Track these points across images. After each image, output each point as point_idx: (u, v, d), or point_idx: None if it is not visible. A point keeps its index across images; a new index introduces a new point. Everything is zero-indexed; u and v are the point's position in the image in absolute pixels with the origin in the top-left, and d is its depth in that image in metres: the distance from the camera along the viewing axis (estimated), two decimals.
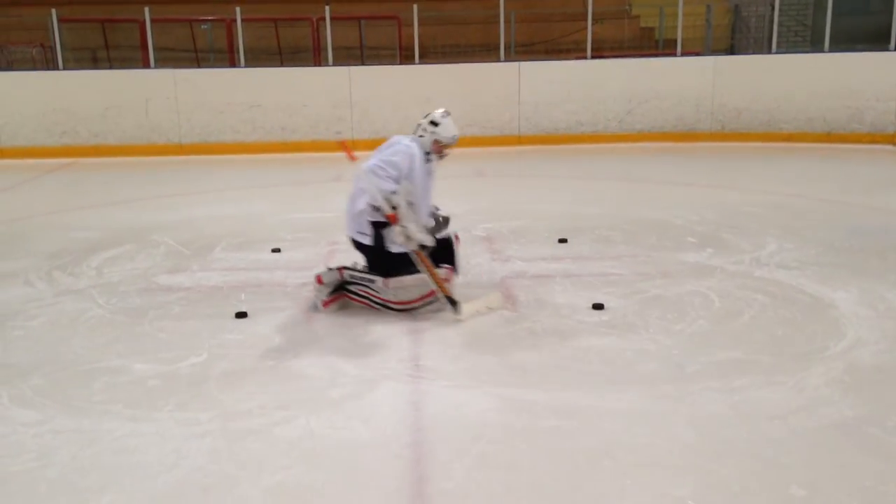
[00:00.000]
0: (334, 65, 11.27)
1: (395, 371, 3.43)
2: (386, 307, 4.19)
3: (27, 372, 3.47)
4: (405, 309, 4.16)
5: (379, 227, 4.14)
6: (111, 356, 3.65)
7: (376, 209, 4.04)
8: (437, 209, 4.53)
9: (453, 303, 4.10)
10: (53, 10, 11.00)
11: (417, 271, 4.09)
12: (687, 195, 7.46)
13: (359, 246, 4.28)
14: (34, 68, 13.13)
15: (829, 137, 10.84)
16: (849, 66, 10.87)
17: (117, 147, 10.81)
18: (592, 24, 11.45)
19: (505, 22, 11.37)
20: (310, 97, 10.99)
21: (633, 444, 2.76)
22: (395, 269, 4.14)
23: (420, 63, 11.64)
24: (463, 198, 7.17)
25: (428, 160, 4.29)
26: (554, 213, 6.64)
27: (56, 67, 11.21)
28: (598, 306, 4.19)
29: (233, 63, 12.59)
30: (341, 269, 4.28)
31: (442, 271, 4.17)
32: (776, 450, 2.71)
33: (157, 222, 6.52)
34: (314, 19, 13.03)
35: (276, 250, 5.55)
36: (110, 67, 13.70)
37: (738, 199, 7.13)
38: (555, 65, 11.82)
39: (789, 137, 10.94)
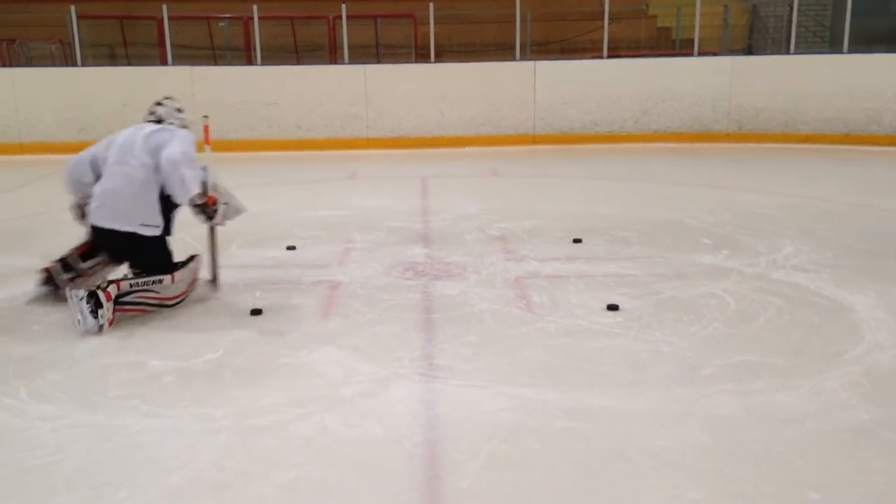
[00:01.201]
0: (350, 63, 11.30)
1: (408, 370, 3.43)
2: (163, 306, 4.11)
3: (45, 367, 3.51)
4: (179, 302, 4.20)
5: (168, 214, 4.17)
6: (128, 352, 3.68)
7: (200, 195, 4.11)
8: None
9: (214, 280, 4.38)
10: (72, 7, 11.09)
11: (178, 262, 4.22)
12: (703, 196, 7.43)
13: (137, 240, 4.08)
14: (53, 65, 13.25)
15: (848, 139, 10.77)
16: (868, 67, 10.79)
17: None
18: (609, 24, 11.41)
19: (521, 21, 11.37)
20: (325, 95, 11.03)
21: (647, 445, 2.76)
22: (168, 259, 4.21)
23: (435, 62, 11.65)
24: (477, 197, 7.17)
25: None
26: (568, 213, 6.62)
27: (74, 64, 11.31)
28: (612, 307, 4.18)
29: (249, 61, 12.65)
30: (115, 283, 3.95)
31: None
32: (792, 453, 2.70)
33: None
34: (330, 17, 13.07)
35: (292, 248, 5.57)
36: (128, 64, 13.80)
37: (755, 200, 7.09)
38: (570, 64, 11.80)
39: (807, 139, 10.87)
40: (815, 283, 4.61)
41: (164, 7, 11.00)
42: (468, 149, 11.00)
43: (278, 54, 13.20)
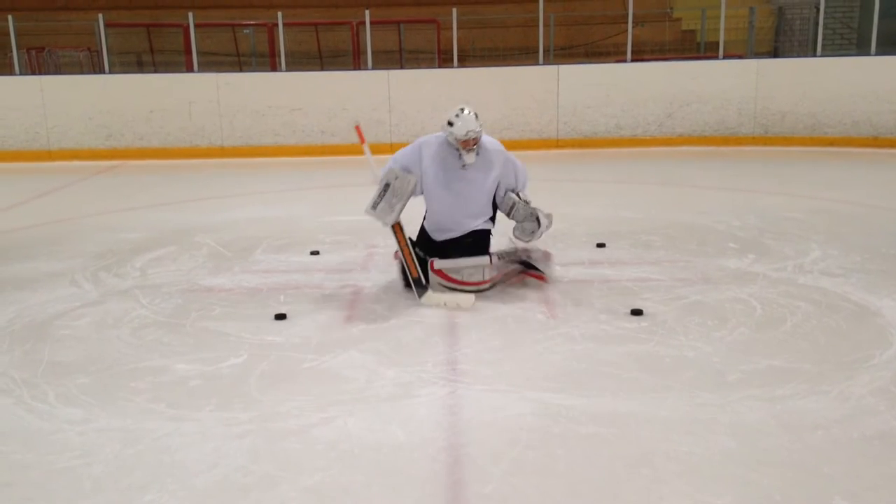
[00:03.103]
0: (374, 68, 11.35)
1: (432, 374, 3.44)
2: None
3: (73, 371, 3.55)
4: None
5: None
6: (154, 356, 3.72)
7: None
8: (533, 208, 4.71)
9: (420, 285, 4.42)
10: (100, 16, 11.24)
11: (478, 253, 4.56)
12: (728, 200, 7.37)
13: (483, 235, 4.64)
14: (81, 72, 13.44)
15: (876, 142, 10.63)
16: None
17: (161, 150, 11.00)
18: (633, 27, 11.37)
19: (544, 25, 11.35)
20: (349, 101, 11.08)
21: (672, 451, 2.74)
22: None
23: (459, 66, 11.66)
24: None
25: (458, 155, 4.52)
26: (592, 217, 6.60)
27: (102, 71, 11.45)
28: (636, 312, 4.16)
29: (274, 67, 12.76)
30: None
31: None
32: (818, 460, 2.67)
33: (199, 224, 6.62)
34: (354, 23, 13.14)
35: (315, 253, 5.60)
36: (155, 71, 13.98)
37: (782, 204, 7.02)
38: (594, 68, 11.75)
39: (834, 142, 10.75)
40: (842, 287, 4.55)
41: (191, 15, 11.12)
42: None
43: (302, 60, 13.31)
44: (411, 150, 4.67)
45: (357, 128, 5.05)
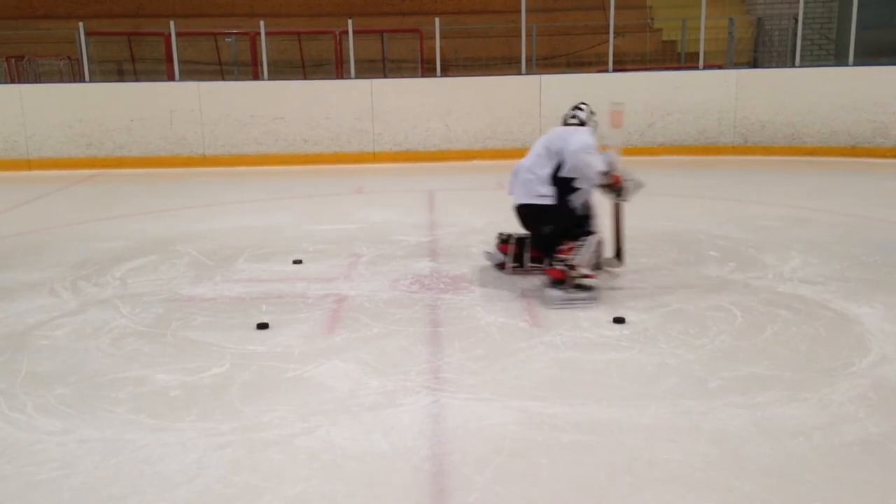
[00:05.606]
0: (356, 77, 11.35)
1: (415, 383, 3.43)
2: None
3: (51, 381, 3.52)
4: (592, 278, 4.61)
5: (562, 187, 4.73)
6: (134, 366, 3.69)
7: (604, 174, 4.77)
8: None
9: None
10: (81, 24, 11.17)
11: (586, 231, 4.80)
12: (709, 209, 7.43)
13: (536, 209, 4.79)
14: (61, 81, 13.34)
15: (854, 151, 10.75)
16: (873, 80, 10.78)
17: (142, 159, 10.93)
18: (614, 38, 11.45)
19: (526, 35, 11.40)
20: (332, 110, 11.07)
21: (654, 459, 2.75)
22: (577, 222, 4.81)
23: (441, 76, 11.69)
24: (483, 210, 7.17)
25: None
26: None
27: (83, 80, 11.38)
28: (619, 320, 4.18)
29: (256, 76, 12.72)
30: (566, 268, 4.56)
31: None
32: (799, 466, 2.69)
33: (180, 233, 6.58)
34: (337, 33, 13.14)
35: (298, 262, 5.58)
36: (136, 80, 13.89)
37: (761, 213, 7.08)
38: (576, 78, 11.81)
39: (813, 151, 10.85)
40: (822, 295, 4.59)
41: (172, 23, 11.08)
42: (474, 162, 11.02)
43: (285, 69, 13.27)
44: (594, 141, 4.87)
45: (618, 114, 5.14)
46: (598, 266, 4.86)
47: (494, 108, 11.16)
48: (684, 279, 4.97)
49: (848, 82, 10.89)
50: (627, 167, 5.00)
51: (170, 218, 7.53)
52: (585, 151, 4.70)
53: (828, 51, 14.83)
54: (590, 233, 4.79)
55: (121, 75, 14.39)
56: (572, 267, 4.53)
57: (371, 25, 13.90)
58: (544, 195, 4.74)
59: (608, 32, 11.44)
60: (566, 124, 5.05)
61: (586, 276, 4.56)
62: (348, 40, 11.20)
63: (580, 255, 4.56)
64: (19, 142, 10.84)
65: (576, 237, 4.66)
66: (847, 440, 2.86)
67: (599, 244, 4.89)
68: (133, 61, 14.52)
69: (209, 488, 2.61)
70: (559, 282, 4.55)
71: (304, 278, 5.18)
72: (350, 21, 11.11)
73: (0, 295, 4.87)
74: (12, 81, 12.70)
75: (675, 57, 14.60)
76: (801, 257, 5.43)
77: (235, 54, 14.42)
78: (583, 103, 5.17)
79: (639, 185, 4.98)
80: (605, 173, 4.79)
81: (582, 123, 5.03)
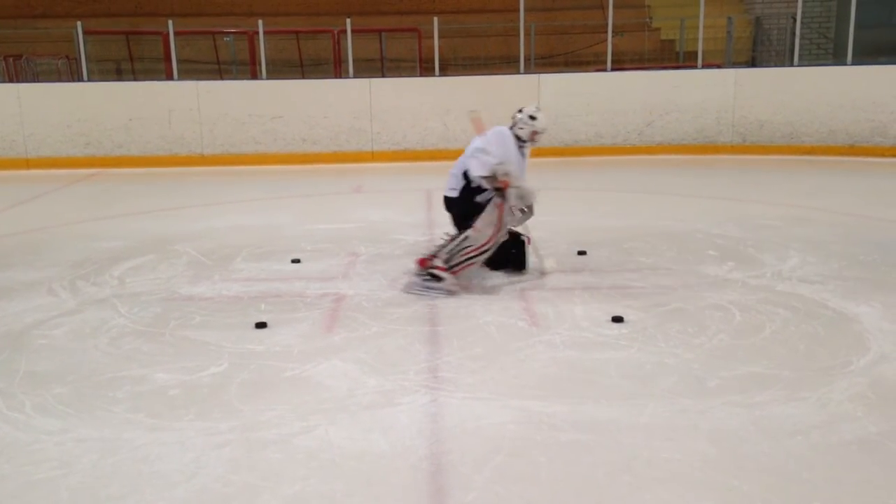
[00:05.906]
0: (355, 77, 11.34)
1: (414, 382, 3.43)
2: (484, 252, 4.78)
3: (50, 381, 3.51)
4: (493, 246, 4.79)
5: (469, 183, 4.99)
6: (133, 365, 3.69)
7: (489, 178, 4.82)
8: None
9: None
10: (79, 23, 11.16)
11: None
12: (708, 208, 7.43)
13: (446, 201, 5.20)
14: (60, 80, 13.33)
15: (852, 150, 10.75)
16: (872, 79, 10.79)
17: (140, 158, 10.93)
18: (613, 37, 11.44)
19: (525, 34, 11.40)
20: (330, 109, 11.06)
21: (652, 458, 2.75)
22: (476, 212, 4.90)
23: (440, 75, 11.69)
24: None
25: (522, 146, 5.22)
26: (573, 225, 6.63)
27: (81, 79, 11.36)
28: (617, 319, 4.18)
29: (255, 75, 12.72)
30: (428, 258, 4.82)
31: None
32: (798, 465, 2.69)
33: (179, 232, 6.58)
34: (335, 32, 13.14)
35: (296, 261, 5.58)
36: (134, 79, 13.89)
37: (760, 212, 7.09)
38: (574, 77, 11.82)
39: (811, 150, 10.86)
40: (820, 294, 4.60)
41: (170, 22, 11.07)
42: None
43: (283, 69, 13.27)
44: (495, 141, 5.06)
45: (476, 119, 5.24)
46: (457, 265, 4.82)
47: (493, 107, 11.07)
48: (683, 278, 4.97)
49: (846, 81, 10.90)
50: (525, 179, 5.10)
51: (168, 217, 7.52)
52: (472, 154, 4.93)
53: (826, 50, 14.85)
54: (467, 229, 4.88)
55: (119, 74, 14.39)
56: (433, 257, 4.81)
57: (369, 25, 13.90)
58: (453, 188, 5.14)
59: (607, 31, 11.44)
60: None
61: (437, 268, 4.73)
62: (347, 39, 11.20)
63: (445, 248, 4.81)
64: (17, 141, 10.83)
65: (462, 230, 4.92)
66: (845, 439, 2.87)
67: (473, 241, 4.89)
68: (131, 60, 14.52)
69: (207, 487, 2.61)
70: (421, 270, 4.81)
71: (303, 277, 5.18)
72: (348, 20, 11.11)
73: None
74: (10, 81, 12.70)
75: (673, 56, 14.61)
76: (799, 256, 5.43)
77: (234, 53, 14.42)
78: (533, 106, 5.30)
79: (524, 196, 4.93)
80: (487, 177, 4.84)
81: (513, 126, 5.23)
